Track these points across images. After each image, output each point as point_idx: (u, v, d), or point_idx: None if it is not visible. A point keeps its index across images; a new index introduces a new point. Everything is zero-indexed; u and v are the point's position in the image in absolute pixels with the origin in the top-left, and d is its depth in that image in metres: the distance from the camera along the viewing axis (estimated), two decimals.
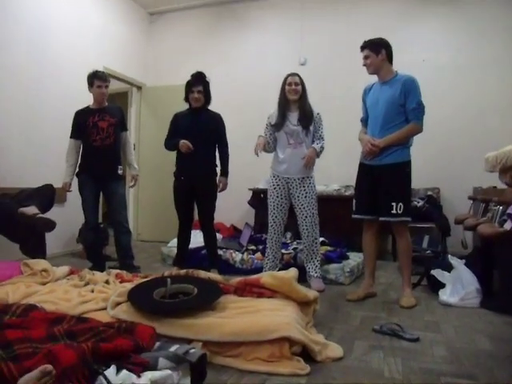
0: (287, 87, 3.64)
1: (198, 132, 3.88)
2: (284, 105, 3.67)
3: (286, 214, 3.79)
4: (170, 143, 3.97)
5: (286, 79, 3.68)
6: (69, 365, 1.37)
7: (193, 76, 3.96)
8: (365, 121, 3.40)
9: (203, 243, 4.54)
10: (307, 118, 3.63)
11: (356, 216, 3.34)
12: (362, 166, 3.36)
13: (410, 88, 3.11)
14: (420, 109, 3.11)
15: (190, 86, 3.92)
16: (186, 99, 3.97)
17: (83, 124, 4.05)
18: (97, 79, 4.02)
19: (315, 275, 3.66)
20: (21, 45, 4.67)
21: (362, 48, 3.25)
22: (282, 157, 3.71)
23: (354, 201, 3.38)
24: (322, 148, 3.68)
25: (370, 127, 3.30)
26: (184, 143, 3.79)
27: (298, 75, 3.67)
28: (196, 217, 4.16)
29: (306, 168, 3.63)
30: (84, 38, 5.60)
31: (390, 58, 3.25)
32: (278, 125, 3.67)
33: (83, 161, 4.15)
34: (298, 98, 3.63)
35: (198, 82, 3.90)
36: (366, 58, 3.23)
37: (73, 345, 1.48)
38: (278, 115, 3.68)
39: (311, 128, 3.66)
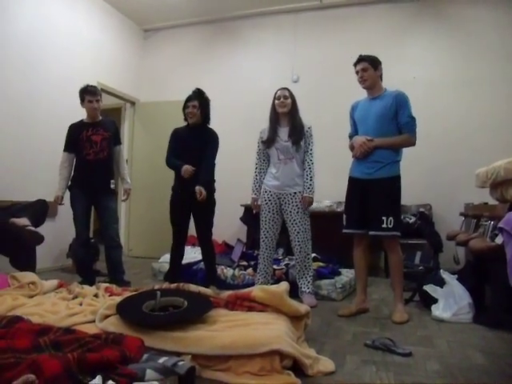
0: (276, 101, 3.66)
1: (196, 150, 3.85)
2: (274, 119, 3.69)
3: (277, 230, 3.77)
4: (172, 163, 3.93)
5: (275, 93, 3.70)
6: (53, 375, 1.34)
7: (192, 92, 3.97)
8: (353, 136, 3.41)
9: (195, 259, 4.53)
10: (297, 133, 3.63)
11: (346, 231, 3.32)
12: (351, 180, 3.36)
13: (401, 102, 3.14)
14: (413, 122, 3.15)
15: (186, 101, 3.91)
16: (184, 117, 3.96)
17: (77, 137, 4.03)
18: (87, 94, 4.01)
19: (307, 291, 3.63)
20: (13, 60, 4.69)
21: (360, 61, 3.27)
22: (273, 173, 3.71)
23: (345, 216, 3.37)
24: (312, 186, 3.65)
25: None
26: (186, 169, 3.77)
27: (287, 89, 3.70)
28: (190, 232, 4.12)
29: (304, 208, 3.64)
30: (78, 53, 5.63)
31: (381, 76, 3.31)
32: (269, 141, 3.68)
33: (76, 174, 4.11)
34: (288, 111, 3.64)
35: (194, 96, 3.89)
36: (364, 70, 3.24)
37: (58, 355, 1.45)
38: (269, 130, 3.70)
39: (302, 143, 3.66)
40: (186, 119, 3.96)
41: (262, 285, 3.61)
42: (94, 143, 4.01)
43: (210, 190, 3.90)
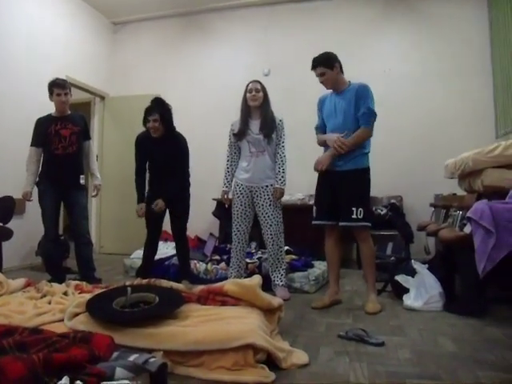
0: (248, 94, 3.63)
1: (163, 162, 3.80)
2: (246, 112, 3.66)
3: (250, 223, 3.76)
4: (138, 186, 3.92)
5: (247, 86, 3.67)
6: (17, 378, 1.29)
7: (151, 101, 3.81)
8: (320, 128, 3.42)
9: (166, 254, 4.49)
10: (268, 126, 3.61)
11: (316, 222, 3.33)
12: (321, 172, 3.37)
13: (361, 94, 3.15)
14: (369, 114, 3.14)
15: (145, 114, 3.76)
16: (145, 126, 3.82)
17: (44, 132, 3.93)
18: (56, 87, 3.91)
19: (280, 284, 3.63)
20: None
21: (315, 66, 3.25)
22: (244, 166, 3.69)
23: (314, 207, 3.38)
24: (284, 177, 3.65)
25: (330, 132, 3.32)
26: (140, 211, 3.84)
27: (259, 82, 3.67)
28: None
29: (275, 200, 3.63)
30: (45, 46, 5.48)
31: (341, 69, 3.29)
32: (241, 134, 3.65)
33: (44, 169, 4.01)
34: (260, 104, 3.62)
35: (155, 109, 3.72)
36: (321, 75, 3.23)
37: (22, 357, 1.40)
38: (240, 123, 3.67)
39: (273, 136, 3.65)
40: (146, 128, 3.84)
41: (235, 279, 3.60)
42: (62, 137, 3.92)
43: (185, 194, 3.92)
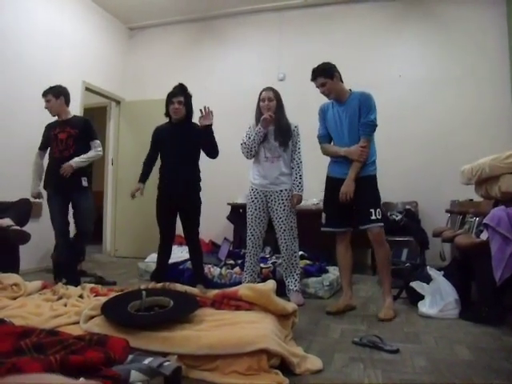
0: (261, 103, 3.63)
1: (180, 146, 3.77)
2: (260, 120, 3.65)
3: (264, 228, 3.75)
4: (143, 167, 3.96)
5: (260, 94, 3.67)
6: None
7: (174, 87, 3.87)
8: (324, 137, 3.41)
9: (181, 258, 4.50)
10: (283, 134, 3.61)
11: (326, 229, 3.35)
12: (329, 179, 3.37)
13: (364, 103, 3.16)
14: (370, 125, 3.15)
15: (170, 97, 3.80)
16: (167, 113, 3.85)
17: (47, 136, 4.12)
18: (43, 96, 4.09)
19: (295, 289, 3.62)
20: None
21: (315, 77, 3.25)
22: (259, 171, 3.70)
23: (324, 214, 3.38)
24: (301, 184, 3.66)
25: (336, 145, 3.33)
26: (133, 190, 3.90)
27: (272, 90, 3.66)
28: (177, 231, 4.08)
29: (291, 206, 3.64)
30: (62, 52, 5.57)
31: (341, 78, 3.29)
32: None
33: (46, 173, 4.15)
34: (273, 113, 3.60)
35: (179, 92, 3.80)
36: (322, 85, 3.23)
37: (39, 358, 1.42)
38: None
39: (289, 143, 3.65)
40: (167, 115, 3.87)
41: (249, 283, 3.61)
42: (59, 141, 4.03)
43: (196, 189, 3.88)
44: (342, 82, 3.30)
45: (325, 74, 3.21)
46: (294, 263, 3.66)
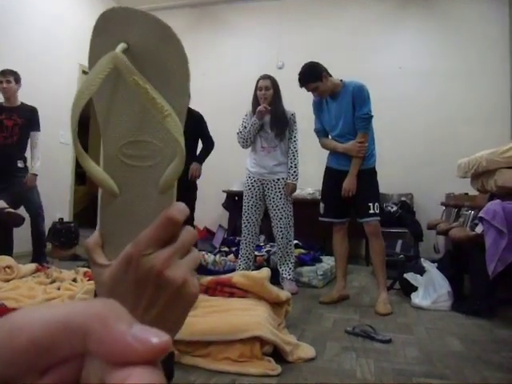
0: (258, 92, 3.60)
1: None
2: (256, 109, 3.62)
3: (260, 215, 3.75)
4: None
5: (257, 82, 3.63)
6: None
7: None
8: (322, 131, 3.37)
9: None
10: (280, 124, 3.58)
11: (324, 219, 3.34)
12: (329, 170, 3.35)
13: (357, 95, 3.10)
14: (366, 119, 3.12)
15: None
16: None
17: None
18: (2, 75, 3.93)
19: (288, 277, 3.63)
20: None
21: (305, 84, 3.18)
22: (256, 159, 3.69)
23: (322, 204, 3.37)
24: (296, 173, 3.65)
25: (333, 139, 3.31)
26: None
27: (269, 78, 3.62)
28: None
29: (287, 195, 3.62)
30: (58, 35, 5.50)
31: (328, 72, 3.20)
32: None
33: None
34: (269, 103, 3.56)
35: None
36: (314, 90, 3.17)
37: None
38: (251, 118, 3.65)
39: (286, 132, 3.63)
40: None
41: (244, 271, 3.61)
42: (5, 127, 3.95)
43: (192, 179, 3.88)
44: (331, 75, 3.21)
45: (313, 79, 3.13)
46: (288, 252, 3.66)
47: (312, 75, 3.14)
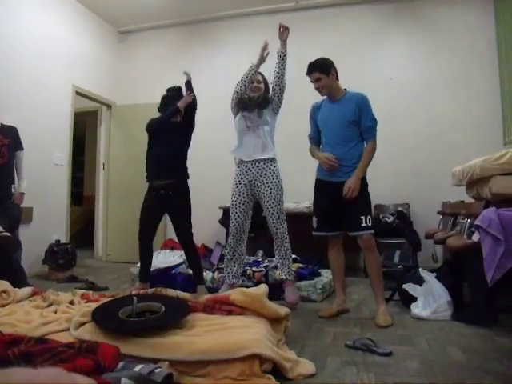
0: (250, 84, 3.64)
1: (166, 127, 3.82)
2: (244, 101, 3.66)
3: (249, 214, 3.66)
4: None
5: None
6: None
7: (169, 90, 4.02)
8: (314, 139, 3.40)
9: (173, 263, 4.47)
10: (264, 102, 3.65)
11: (318, 233, 3.31)
12: (319, 182, 3.34)
13: (363, 105, 3.14)
14: (375, 126, 3.16)
15: (166, 102, 3.94)
16: (165, 106, 3.94)
17: None
18: None
19: (289, 278, 3.54)
20: None
21: (311, 71, 3.24)
22: (241, 141, 3.66)
23: (315, 218, 3.35)
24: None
25: (325, 145, 3.30)
26: None
27: (260, 74, 3.71)
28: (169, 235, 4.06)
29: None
30: (52, 55, 5.52)
31: (337, 76, 3.28)
32: (239, 107, 3.69)
33: None
34: (258, 97, 3.61)
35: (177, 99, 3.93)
36: (317, 80, 3.22)
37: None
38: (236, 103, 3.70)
39: (269, 106, 3.68)
40: (163, 109, 3.92)
41: (233, 280, 3.62)
42: None
43: (185, 188, 3.87)
44: (338, 79, 3.28)
45: (320, 70, 3.20)
46: (285, 244, 3.57)
47: (321, 66, 3.21)
